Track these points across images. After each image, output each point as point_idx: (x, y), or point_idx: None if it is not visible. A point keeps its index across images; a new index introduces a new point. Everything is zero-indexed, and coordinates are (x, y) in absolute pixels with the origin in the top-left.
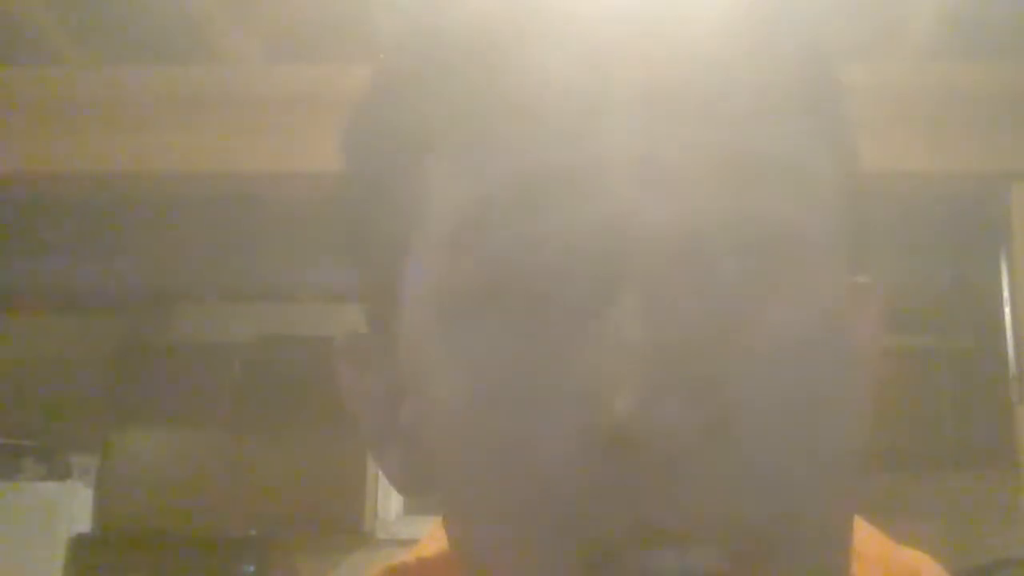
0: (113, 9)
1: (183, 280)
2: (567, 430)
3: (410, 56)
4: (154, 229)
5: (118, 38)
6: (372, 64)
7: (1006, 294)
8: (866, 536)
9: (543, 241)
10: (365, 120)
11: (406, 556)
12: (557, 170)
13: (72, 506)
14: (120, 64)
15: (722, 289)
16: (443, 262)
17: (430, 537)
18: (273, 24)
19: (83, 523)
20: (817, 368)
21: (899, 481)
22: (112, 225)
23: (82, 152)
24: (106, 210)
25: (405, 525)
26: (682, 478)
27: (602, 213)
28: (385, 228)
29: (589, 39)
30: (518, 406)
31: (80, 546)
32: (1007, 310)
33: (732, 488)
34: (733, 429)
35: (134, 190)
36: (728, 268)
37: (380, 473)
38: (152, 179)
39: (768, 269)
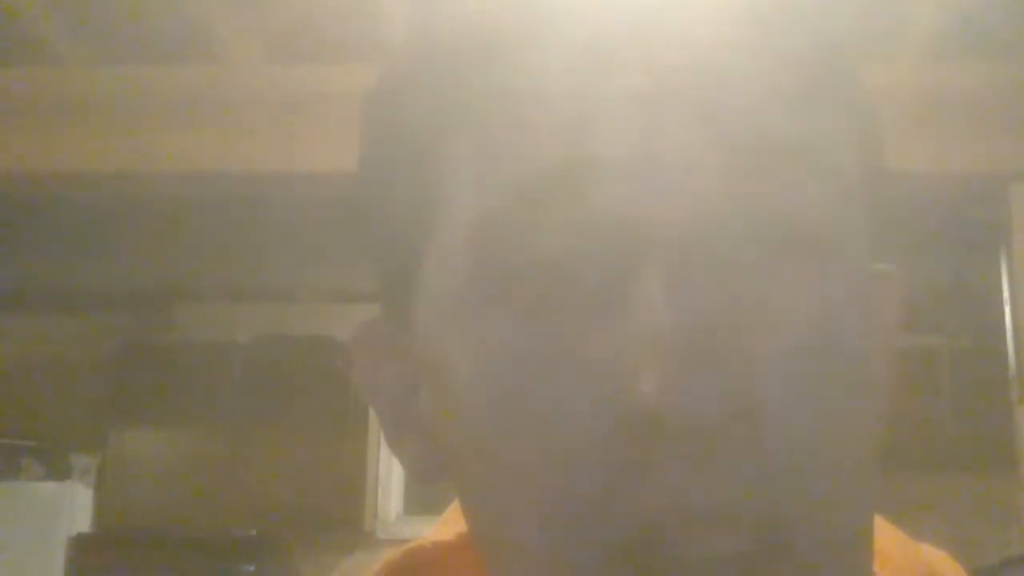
0: (113, 9)
1: (183, 280)
2: (593, 412)
3: (425, 52)
4: (154, 229)
5: (118, 38)
6: (385, 60)
7: (1006, 294)
8: (886, 533)
9: (563, 229)
10: (381, 113)
11: (423, 540)
12: (574, 161)
13: (72, 506)
14: (120, 64)
15: (742, 273)
16: (463, 253)
17: (444, 522)
18: (273, 24)
19: (83, 523)
20: (838, 354)
21: (899, 481)
22: (112, 225)
23: (82, 152)
24: (106, 210)
25: (405, 525)
26: (709, 459)
27: (620, 200)
28: (402, 219)
29: (602, 30)
30: (542, 392)
31: (80, 546)
32: (1007, 310)
33: (757, 471)
34: (758, 408)
35: (134, 190)
36: (746, 254)
37: (380, 473)
38: (152, 179)
39: (785, 256)
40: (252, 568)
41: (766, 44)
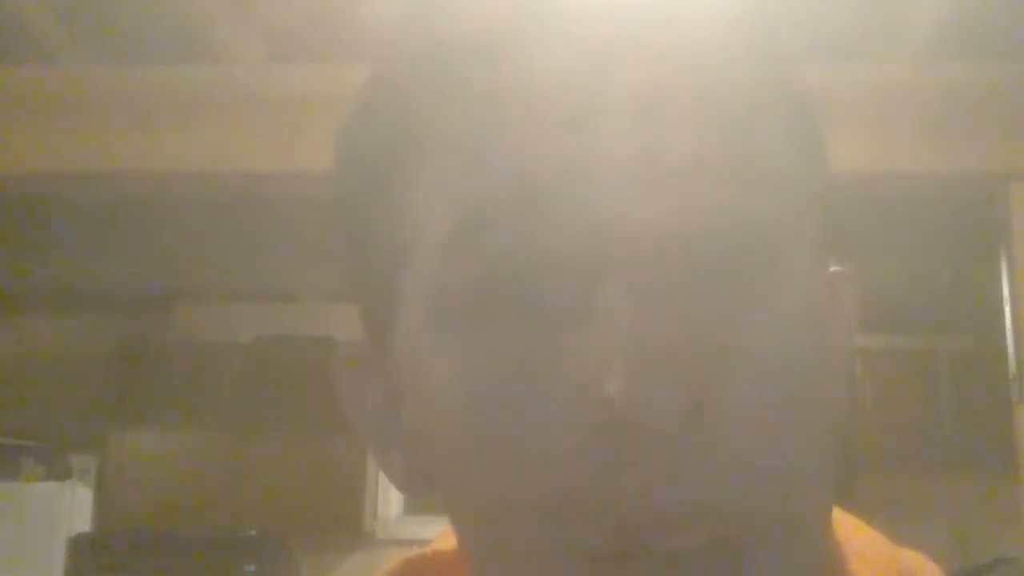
0: (113, 9)
1: (183, 280)
2: (560, 421)
3: (404, 61)
4: (154, 229)
5: (118, 38)
6: (366, 68)
7: (1006, 294)
8: (864, 536)
9: (532, 242)
10: (359, 126)
11: (424, 548)
12: (547, 174)
13: (72, 506)
14: (120, 64)
15: (703, 282)
16: (437, 266)
17: (447, 532)
18: (273, 24)
19: (83, 523)
20: (793, 357)
21: (899, 481)
22: (112, 225)
23: (82, 152)
24: (106, 210)
25: (405, 525)
26: (668, 459)
27: (589, 213)
28: (381, 235)
29: (580, 46)
30: (512, 404)
31: (80, 546)
32: (1007, 310)
33: (715, 470)
34: (714, 410)
35: (134, 190)
36: (709, 263)
37: (381, 473)
38: (152, 179)
39: (748, 264)
40: (252, 568)
41: (745, 57)
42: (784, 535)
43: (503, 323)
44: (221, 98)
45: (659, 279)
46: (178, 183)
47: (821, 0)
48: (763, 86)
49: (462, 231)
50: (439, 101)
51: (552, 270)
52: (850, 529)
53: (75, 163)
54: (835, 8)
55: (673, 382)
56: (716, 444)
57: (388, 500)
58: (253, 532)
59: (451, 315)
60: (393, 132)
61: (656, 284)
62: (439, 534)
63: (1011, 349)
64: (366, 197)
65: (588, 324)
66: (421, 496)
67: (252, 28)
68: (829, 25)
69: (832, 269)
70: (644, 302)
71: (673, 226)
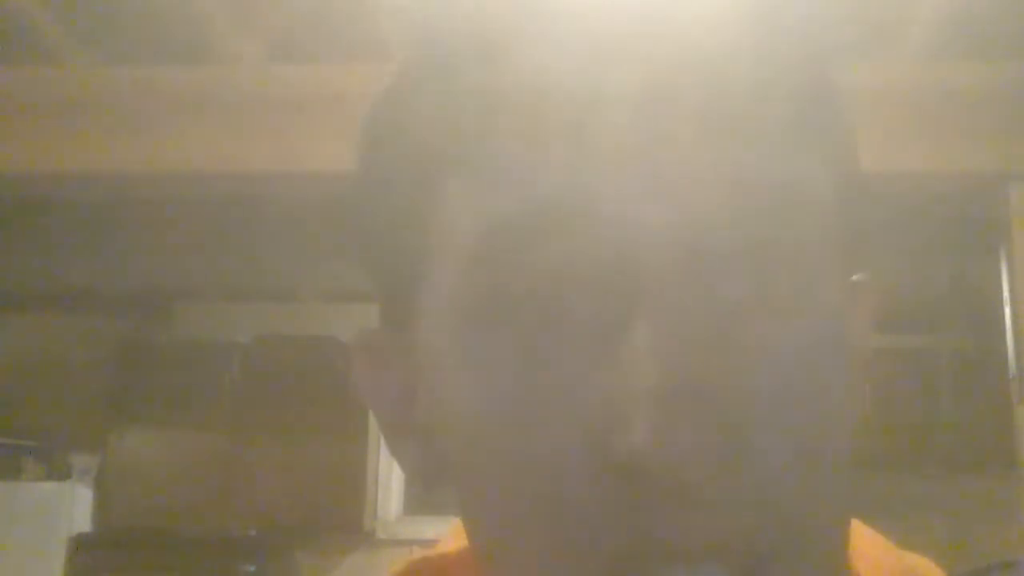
0: (113, 9)
1: (183, 280)
2: (582, 452)
3: (427, 71)
4: (154, 229)
5: (118, 38)
6: (387, 72)
7: (1006, 294)
8: (867, 540)
9: (555, 262)
10: (383, 132)
11: (429, 551)
12: (568, 191)
13: (72, 506)
14: (120, 64)
15: (728, 313)
16: (460, 276)
17: (452, 534)
18: (273, 24)
19: (83, 523)
20: (822, 390)
21: (899, 481)
22: (112, 225)
23: (82, 152)
24: (106, 210)
25: (405, 525)
26: (692, 501)
27: (611, 234)
28: (404, 235)
29: (598, 62)
30: (530, 422)
31: (80, 546)
32: (1007, 310)
33: (740, 510)
34: (742, 456)
35: (134, 190)
36: (733, 288)
37: (380, 473)
38: (152, 179)
39: (771, 285)
40: (252, 568)
41: (760, 66)
42: (802, 561)
43: (523, 341)
44: (221, 98)
45: (685, 312)
46: (178, 183)
47: (821, 0)
48: (772, 86)
49: (483, 248)
50: (461, 116)
51: (573, 293)
52: (854, 532)
53: (75, 163)
54: (835, 8)
55: (701, 428)
56: (743, 488)
57: (388, 500)
58: (253, 532)
59: (472, 325)
60: (419, 140)
61: (682, 319)
62: (443, 535)
63: (1011, 349)
64: (390, 198)
65: (614, 361)
66: (431, 487)
67: (252, 28)
68: (828, 25)
69: (853, 278)
70: (671, 341)
71: (694, 248)
